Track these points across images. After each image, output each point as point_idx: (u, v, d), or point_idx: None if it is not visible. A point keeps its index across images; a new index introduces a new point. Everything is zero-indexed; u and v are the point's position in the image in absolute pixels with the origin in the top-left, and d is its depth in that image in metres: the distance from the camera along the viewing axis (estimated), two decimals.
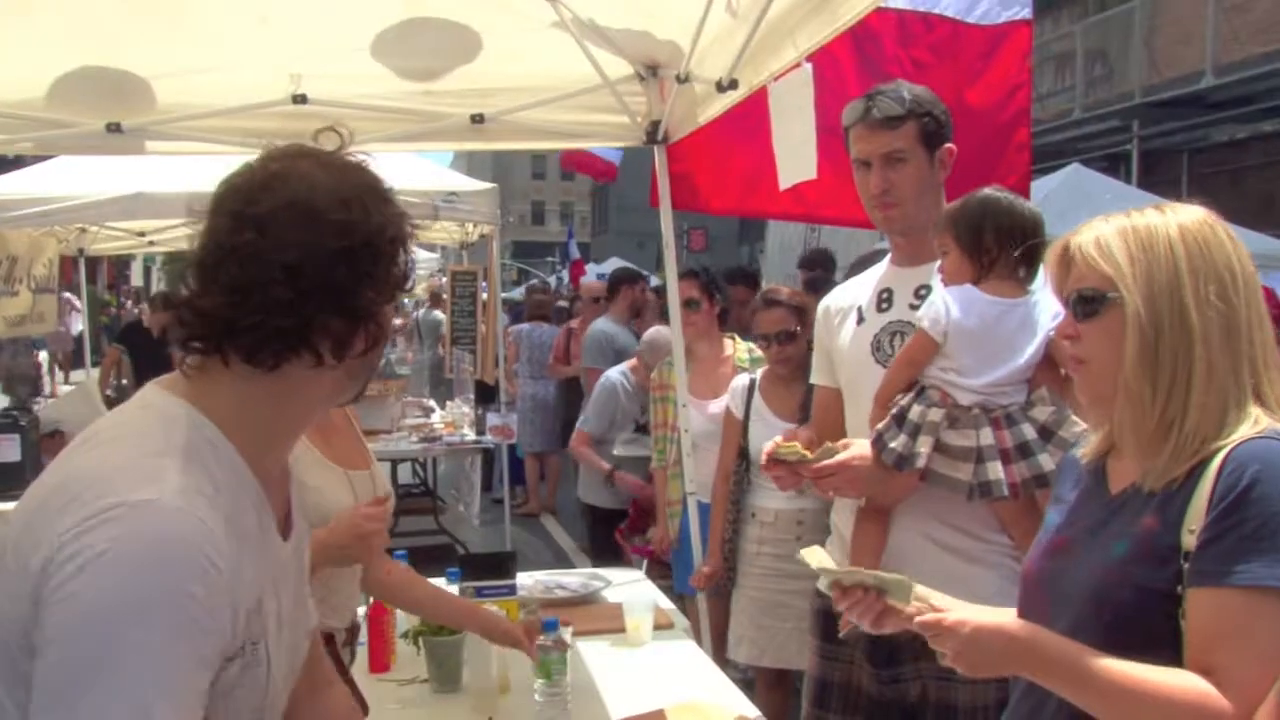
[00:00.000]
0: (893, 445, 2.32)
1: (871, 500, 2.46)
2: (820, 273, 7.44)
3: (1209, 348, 1.51)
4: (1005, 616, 1.64)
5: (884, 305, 2.55)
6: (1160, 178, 15.73)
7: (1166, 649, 1.46)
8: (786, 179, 3.25)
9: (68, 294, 10.68)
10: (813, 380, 2.79)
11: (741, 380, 4.11)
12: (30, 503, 1.23)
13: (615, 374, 5.43)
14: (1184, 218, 1.57)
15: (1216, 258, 1.54)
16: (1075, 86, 17.42)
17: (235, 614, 1.23)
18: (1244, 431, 1.50)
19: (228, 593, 1.20)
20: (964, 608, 1.64)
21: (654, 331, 5.34)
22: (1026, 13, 3.94)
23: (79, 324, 13.96)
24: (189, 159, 4.53)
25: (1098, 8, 17.53)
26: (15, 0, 3.13)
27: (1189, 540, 1.46)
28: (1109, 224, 1.59)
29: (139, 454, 1.22)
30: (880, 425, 2.37)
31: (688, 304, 4.47)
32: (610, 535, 5.22)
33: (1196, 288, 1.52)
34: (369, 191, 1.38)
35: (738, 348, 4.64)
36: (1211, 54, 14.60)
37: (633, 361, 5.58)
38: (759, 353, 4.58)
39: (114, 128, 3.82)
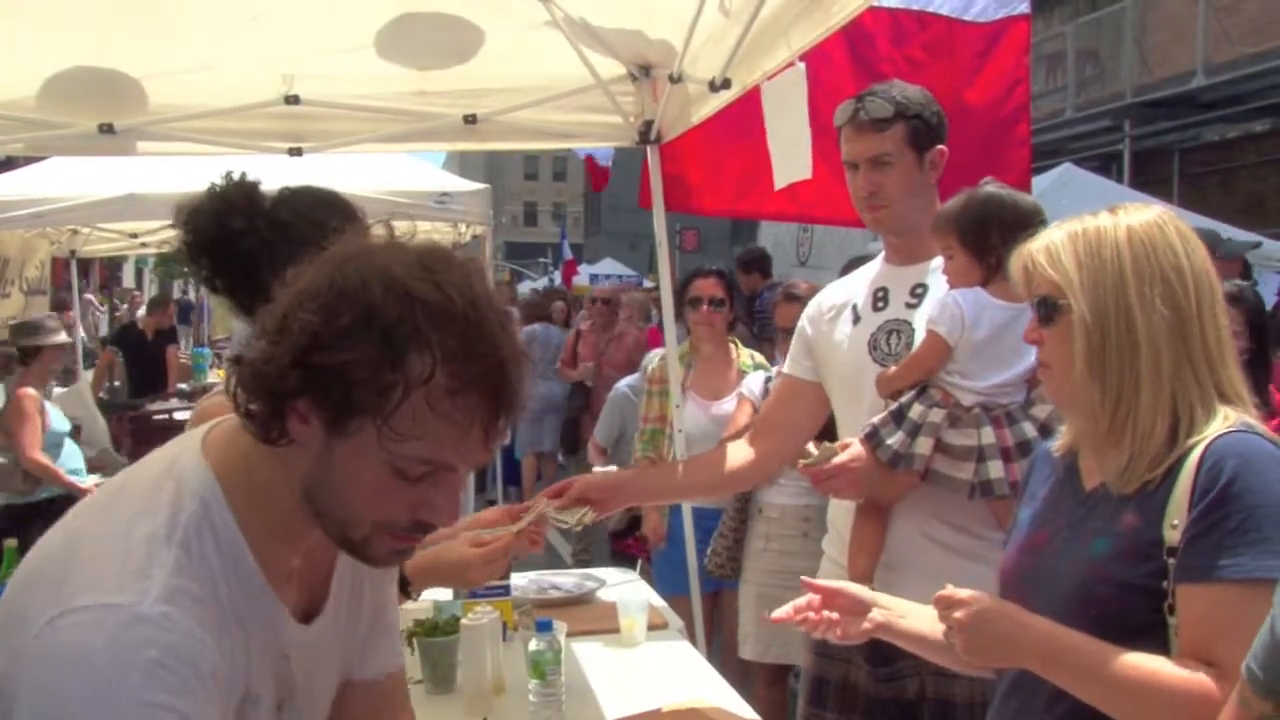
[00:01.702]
0: (889, 443, 2.32)
1: (871, 498, 2.46)
2: (757, 275, 7.62)
3: (1155, 349, 1.53)
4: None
5: (880, 304, 2.54)
6: (1152, 177, 15.78)
7: (1150, 642, 1.48)
8: (782, 179, 3.24)
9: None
10: (785, 370, 2.77)
11: (755, 377, 4.17)
12: (35, 557, 1.20)
13: (624, 385, 5.47)
14: (1134, 220, 1.59)
15: (1163, 260, 1.56)
16: (1067, 86, 17.48)
17: (218, 713, 1.18)
18: (1215, 428, 1.52)
19: (215, 695, 1.15)
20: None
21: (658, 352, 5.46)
22: (1024, 8, 3.95)
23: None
24: (181, 160, 4.53)
25: (1089, 8, 17.59)
26: (5, 0, 3.13)
27: (1171, 535, 1.48)
28: (1061, 230, 1.62)
29: (138, 537, 1.17)
30: (877, 420, 2.37)
31: (713, 302, 4.53)
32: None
33: (1141, 291, 1.54)
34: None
35: (740, 353, 4.71)
36: (1202, 54, 14.65)
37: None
38: (760, 358, 4.71)
39: (106, 128, 3.81)
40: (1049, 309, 1.61)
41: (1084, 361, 1.55)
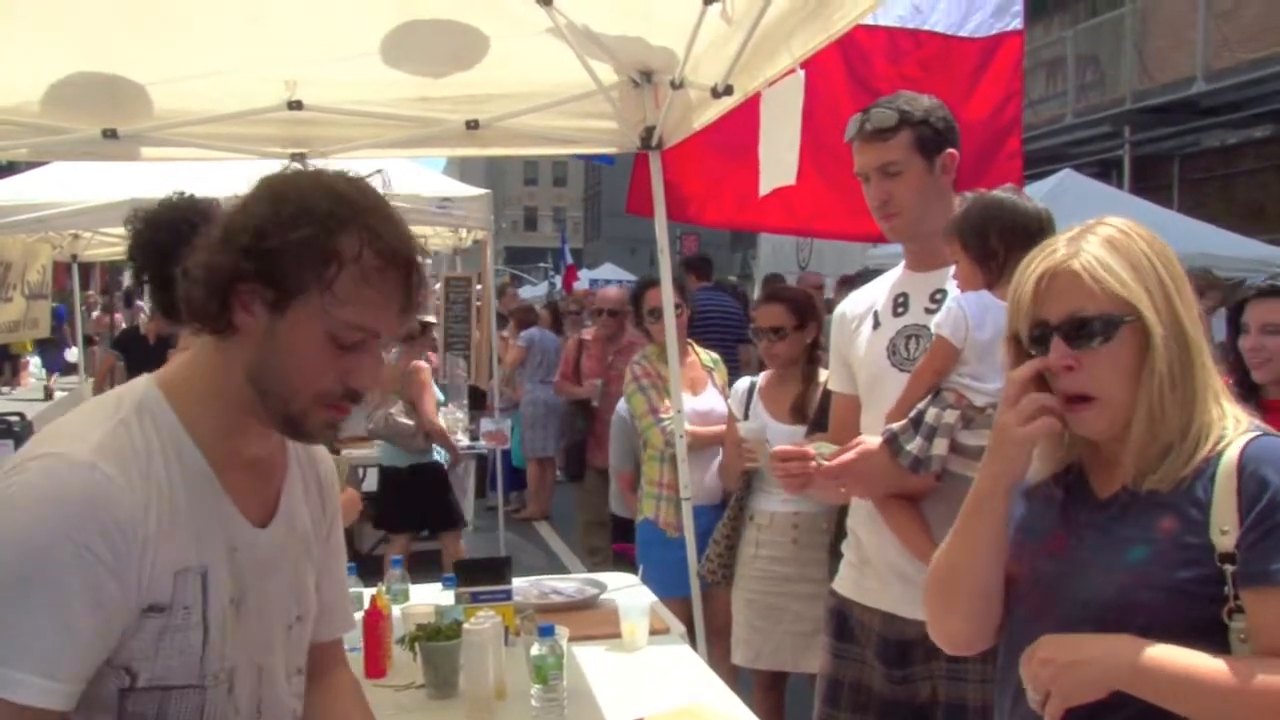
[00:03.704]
0: (909, 448, 2.33)
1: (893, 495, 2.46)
2: (692, 276, 7.72)
3: (1203, 355, 1.55)
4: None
5: (899, 310, 2.56)
6: (1151, 183, 15.79)
7: (1199, 646, 1.47)
8: (767, 184, 3.27)
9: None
10: (830, 387, 2.80)
11: (743, 383, 4.18)
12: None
13: (622, 407, 5.49)
14: (1140, 230, 1.59)
15: (1178, 267, 1.57)
16: (1067, 92, 17.47)
17: (148, 569, 1.32)
18: (1230, 428, 1.54)
19: (134, 546, 1.30)
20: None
21: None
22: (1017, 23, 3.99)
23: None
24: (183, 165, 4.54)
25: (1089, 13, 17.60)
26: (10, 5, 3.14)
27: (1224, 541, 1.48)
28: (1091, 245, 1.56)
29: (82, 418, 1.39)
30: (896, 427, 2.37)
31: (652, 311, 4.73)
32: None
33: (1183, 300, 1.55)
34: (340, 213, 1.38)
35: (698, 352, 4.86)
36: (1202, 60, 14.66)
37: None
38: (715, 355, 4.94)
39: (110, 134, 3.83)
40: (1108, 327, 1.52)
41: (1166, 375, 1.52)
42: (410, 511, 6.47)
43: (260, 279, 1.35)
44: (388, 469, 6.51)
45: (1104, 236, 1.57)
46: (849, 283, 7.03)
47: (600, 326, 7.23)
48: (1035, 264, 1.59)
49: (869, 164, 2.51)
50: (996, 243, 2.34)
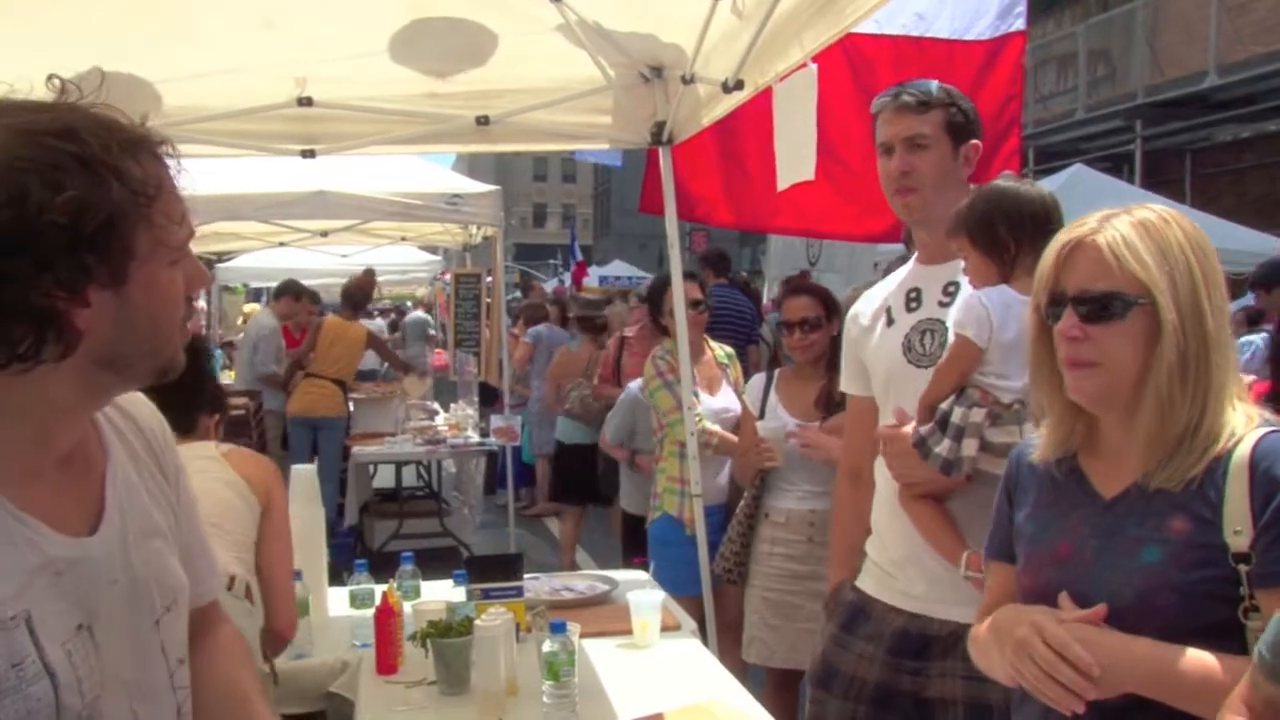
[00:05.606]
0: (938, 450, 2.28)
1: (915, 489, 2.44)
2: (710, 273, 7.63)
3: (1222, 352, 1.54)
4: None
5: (913, 305, 2.52)
6: (1163, 178, 15.73)
7: (1216, 647, 1.46)
8: (785, 179, 3.26)
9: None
10: (844, 389, 2.76)
11: (758, 380, 4.16)
12: None
13: (634, 387, 5.48)
14: (1180, 219, 1.58)
15: (1214, 263, 1.56)
16: (1078, 87, 17.41)
17: None
18: (1241, 425, 1.53)
19: None
20: None
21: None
22: (1020, 23, 4.00)
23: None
24: (193, 162, 4.54)
25: (1100, 8, 17.53)
26: (19, 2, 3.14)
27: (1237, 542, 1.46)
28: (1121, 224, 1.57)
29: None
30: (923, 430, 2.32)
31: (694, 305, 4.61)
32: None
33: (1210, 294, 1.54)
34: (43, 163, 1.14)
35: (713, 348, 4.83)
36: (1214, 54, 14.59)
37: None
38: (729, 349, 4.93)
39: None
40: (1118, 305, 1.54)
41: (1175, 364, 1.52)
42: (584, 483, 7.04)
43: (100, 261, 1.14)
44: (567, 445, 7.43)
45: (1139, 218, 1.57)
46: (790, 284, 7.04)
47: (641, 320, 6.83)
48: (1064, 234, 1.62)
49: (897, 134, 2.47)
50: (1005, 233, 2.27)
